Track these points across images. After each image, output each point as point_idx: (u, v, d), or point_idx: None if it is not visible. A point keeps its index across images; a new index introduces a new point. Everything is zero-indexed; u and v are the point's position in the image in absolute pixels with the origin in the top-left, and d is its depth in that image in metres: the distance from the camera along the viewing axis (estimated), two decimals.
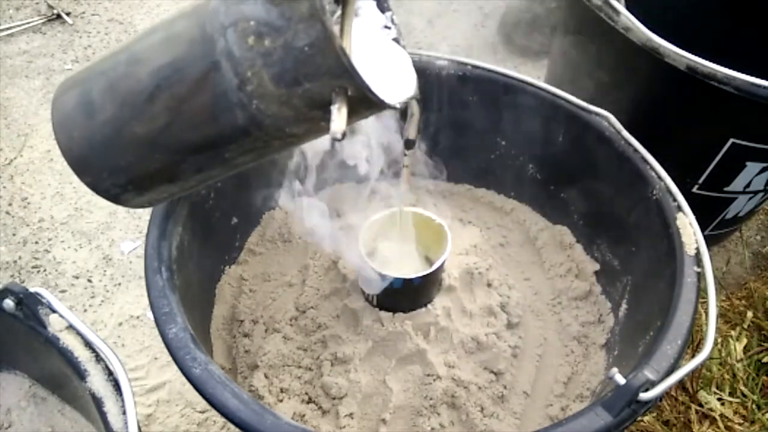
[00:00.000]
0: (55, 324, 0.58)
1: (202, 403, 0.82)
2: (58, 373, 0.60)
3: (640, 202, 0.72)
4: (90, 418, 0.63)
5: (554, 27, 1.19)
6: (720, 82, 0.75)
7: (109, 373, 0.56)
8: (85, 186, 0.54)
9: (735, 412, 0.88)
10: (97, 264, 1.05)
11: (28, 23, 1.46)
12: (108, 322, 0.98)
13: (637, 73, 0.87)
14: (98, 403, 0.54)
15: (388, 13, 0.54)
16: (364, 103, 0.43)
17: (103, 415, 0.53)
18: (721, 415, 0.87)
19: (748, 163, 0.86)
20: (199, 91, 0.45)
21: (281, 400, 0.68)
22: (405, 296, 0.67)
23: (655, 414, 0.88)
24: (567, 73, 1.03)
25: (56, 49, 1.42)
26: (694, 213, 0.67)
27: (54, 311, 0.59)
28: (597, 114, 0.77)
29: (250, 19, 0.42)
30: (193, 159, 0.50)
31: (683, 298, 0.60)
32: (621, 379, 0.52)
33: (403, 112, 0.56)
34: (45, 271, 1.04)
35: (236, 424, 0.51)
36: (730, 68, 0.75)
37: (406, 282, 0.64)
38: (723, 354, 0.93)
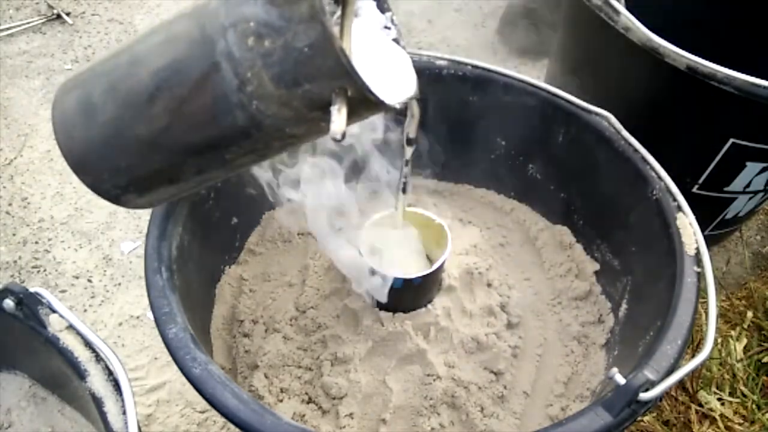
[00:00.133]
0: (55, 324, 0.58)
1: (202, 403, 0.82)
2: (58, 373, 0.60)
3: (640, 202, 0.72)
4: (90, 418, 0.63)
5: (554, 27, 1.19)
6: (720, 82, 0.75)
7: (109, 373, 0.56)
8: (85, 186, 0.54)
9: (735, 412, 0.88)
10: (97, 264, 1.05)
11: (28, 23, 1.46)
12: (108, 322, 0.98)
13: (637, 73, 0.87)
14: (98, 403, 0.54)
15: (388, 14, 0.54)
16: (364, 103, 0.43)
17: (103, 415, 0.53)
18: (721, 415, 0.87)
19: (748, 163, 0.86)
20: (199, 92, 0.45)
21: (281, 400, 0.68)
22: (405, 296, 0.67)
23: (655, 414, 0.88)
24: (567, 73, 1.03)
25: (56, 49, 1.42)
26: (694, 213, 0.67)
27: (54, 311, 0.59)
28: (597, 114, 0.77)
29: (250, 20, 0.42)
30: (193, 160, 0.50)
31: (683, 298, 0.60)
32: (621, 379, 0.52)
33: (404, 112, 0.56)
34: (45, 271, 1.04)
35: (236, 424, 0.51)
36: (730, 68, 0.75)
37: (406, 282, 0.64)
38: (723, 354, 0.93)
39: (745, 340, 0.95)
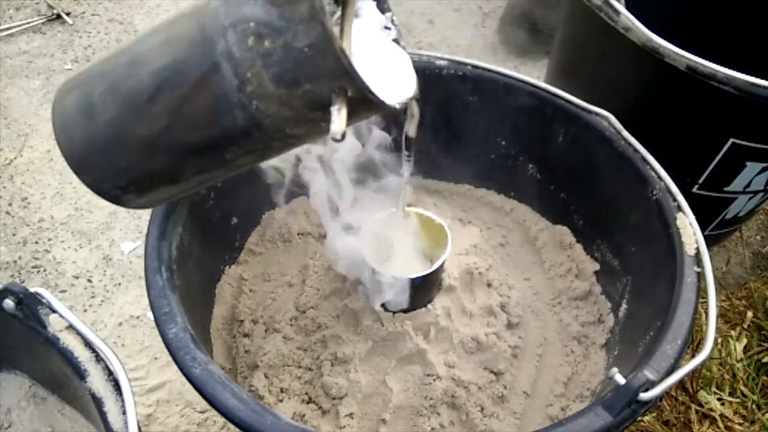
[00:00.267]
0: (55, 324, 0.58)
1: (202, 403, 0.82)
2: (58, 373, 0.60)
3: (640, 202, 0.72)
4: (90, 418, 0.63)
5: (554, 27, 1.19)
6: (720, 82, 0.75)
7: (109, 373, 0.56)
8: (85, 186, 0.54)
9: (735, 412, 0.88)
10: (97, 264, 1.05)
11: (28, 23, 1.46)
12: (108, 322, 0.98)
13: (637, 73, 0.87)
14: (98, 403, 0.54)
15: (389, 14, 0.54)
16: (364, 104, 0.43)
17: (103, 415, 0.53)
18: (721, 415, 0.87)
19: (748, 163, 0.86)
20: (200, 92, 0.45)
21: (281, 400, 0.68)
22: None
23: (655, 414, 0.88)
24: (567, 73, 1.03)
25: (56, 49, 1.42)
26: (694, 213, 0.67)
27: (54, 311, 0.59)
28: (597, 114, 0.77)
29: (250, 20, 0.42)
30: (193, 160, 0.50)
31: (683, 298, 0.60)
32: (621, 379, 0.52)
33: (404, 113, 0.56)
34: (45, 271, 1.04)
35: (236, 424, 0.51)
36: (730, 68, 0.75)
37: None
38: (723, 354, 0.93)
39: (745, 340, 0.95)
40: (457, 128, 0.86)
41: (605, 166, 0.77)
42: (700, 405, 0.88)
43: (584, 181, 0.81)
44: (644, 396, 0.51)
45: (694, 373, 0.88)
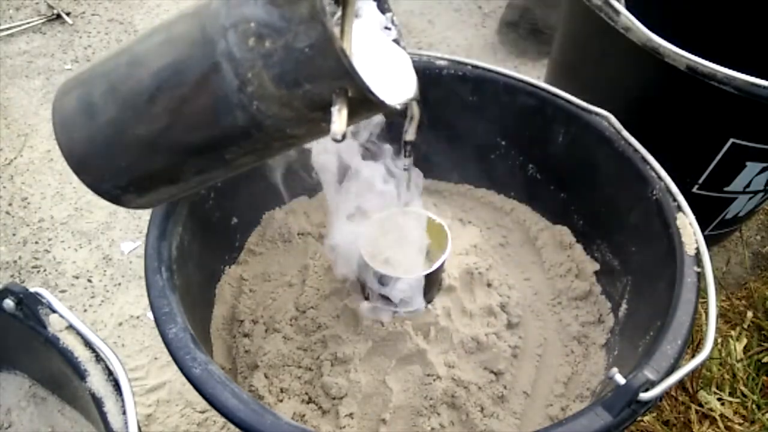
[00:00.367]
0: (55, 324, 0.58)
1: (202, 403, 0.82)
2: (58, 373, 0.60)
3: (640, 202, 0.72)
4: (90, 418, 0.63)
5: (554, 27, 1.19)
6: (720, 82, 0.75)
7: (109, 373, 0.56)
8: (85, 186, 0.54)
9: (735, 412, 0.88)
10: (97, 264, 1.05)
11: (28, 23, 1.46)
12: (108, 322, 0.98)
13: (637, 73, 0.87)
14: (98, 403, 0.54)
15: (389, 14, 0.54)
16: (364, 104, 0.43)
17: (103, 415, 0.53)
18: (721, 415, 0.87)
19: (748, 163, 0.86)
20: (200, 92, 0.45)
21: (281, 400, 0.68)
22: None
23: (655, 414, 0.88)
24: (567, 73, 1.03)
25: (56, 49, 1.42)
26: (694, 213, 0.67)
27: (54, 311, 0.59)
28: (597, 114, 0.77)
29: (251, 20, 0.42)
30: (193, 160, 0.50)
31: (683, 298, 0.60)
32: (621, 379, 0.52)
33: (404, 113, 0.56)
34: (45, 271, 1.04)
35: (236, 424, 0.51)
36: (730, 68, 0.75)
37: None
38: (723, 354, 0.93)
39: (745, 340, 0.95)
40: (458, 128, 0.86)
41: (605, 166, 0.77)
42: (700, 405, 0.88)
43: (584, 181, 0.81)
44: (644, 396, 0.51)
45: (694, 373, 0.88)
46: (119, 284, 1.03)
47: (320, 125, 0.45)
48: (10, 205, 1.12)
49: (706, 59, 0.76)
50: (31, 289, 0.59)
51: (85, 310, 0.99)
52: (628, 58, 0.85)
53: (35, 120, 1.26)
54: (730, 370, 0.91)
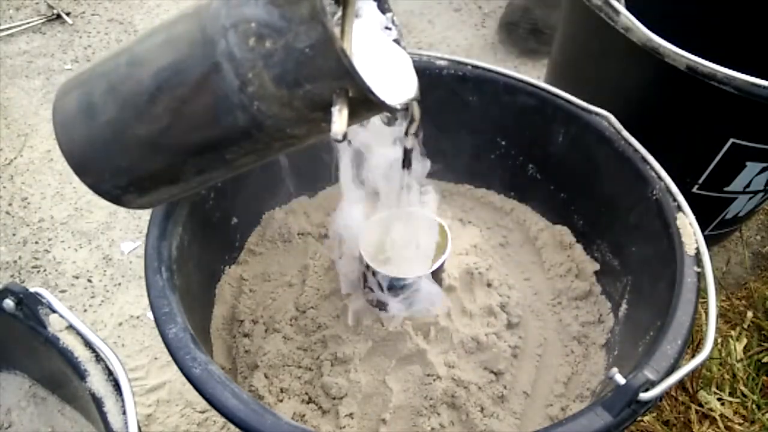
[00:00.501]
0: (55, 324, 0.58)
1: (202, 403, 0.82)
2: (58, 373, 0.60)
3: (640, 202, 0.72)
4: (90, 418, 0.63)
5: (554, 27, 1.19)
6: (720, 82, 0.75)
7: (109, 373, 0.56)
8: (85, 186, 0.54)
9: (735, 412, 0.88)
10: (97, 264, 1.05)
11: (28, 23, 1.46)
12: (108, 322, 0.98)
13: (637, 73, 0.87)
14: (98, 403, 0.54)
15: (389, 14, 0.54)
16: (365, 104, 0.43)
17: (103, 415, 0.53)
18: (721, 415, 0.87)
19: (748, 163, 0.86)
20: (200, 92, 0.45)
21: (281, 400, 0.68)
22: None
23: (655, 414, 0.88)
24: (567, 73, 1.03)
25: (56, 49, 1.42)
26: (694, 213, 0.67)
27: (54, 311, 0.59)
28: (597, 114, 0.77)
29: (251, 20, 0.42)
30: (194, 160, 0.50)
31: (683, 298, 0.60)
32: (621, 379, 0.52)
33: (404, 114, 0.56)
34: (45, 271, 1.04)
35: (236, 424, 0.51)
36: (730, 68, 0.75)
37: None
38: (723, 354, 0.93)
39: (745, 340, 0.95)
40: (457, 128, 0.86)
41: (605, 166, 0.77)
42: (700, 405, 0.88)
43: (584, 181, 0.81)
44: (644, 396, 0.51)
45: (694, 373, 0.88)
46: (119, 284, 1.03)
47: (321, 125, 0.45)
48: (10, 205, 1.12)
49: (706, 59, 0.76)
50: (31, 289, 0.59)
51: (85, 310, 0.99)
52: (628, 58, 0.85)
53: (35, 120, 1.26)
54: (730, 370, 0.91)
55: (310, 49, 0.41)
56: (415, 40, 1.49)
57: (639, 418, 0.78)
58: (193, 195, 0.67)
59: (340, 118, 0.41)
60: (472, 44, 1.51)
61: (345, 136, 0.41)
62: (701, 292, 0.61)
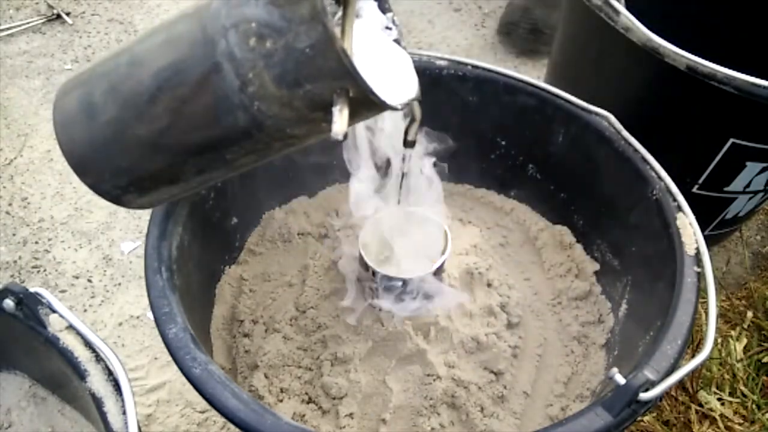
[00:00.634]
0: (55, 324, 0.58)
1: (202, 403, 0.82)
2: (58, 373, 0.60)
3: (640, 202, 0.72)
4: (90, 418, 0.63)
5: (554, 27, 1.19)
6: (720, 82, 0.75)
7: (109, 373, 0.56)
8: (85, 186, 0.54)
9: (735, 412, 0.88)
10: (97, 264, 1.05)
11: (28, 23, 1.46)
12: (108, 322, 0.98)
13: (637, 73, 0.87)
14: (98, 403, 0.54)
15: (389, 14, 0.54)
16: (365, 104, 0.43)
17: (103, 415, 0.53)
18: (721, 415, 0.87)
19: (748, 163, 0.86)
20: (201, 92, 0.45)
21: (281, 400, 0.68)
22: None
23: (655, 414, 0.88)
24: (567, 73, 1.03)
25: (56, 49, 1.42)
26: (694, 213, 0.67)
27: (54, 311, 0.59)
28: (597, 114, 0.77)
29: (252, 20, 0.42)
30: (194, 160, 0.50)
31: (683, 298, 0.60)
32: (621, 379, 0.52)
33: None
34: (45, 271, 1.04)
35: (236, 424, 0.51)
36: (730, 68, 0.75)
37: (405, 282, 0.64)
38: (723, 354, 0.93)
39: (745, 340, 0.95)
40: (457, 128, 0.86)
41: (605, 166, 0.77)
42: (700, 405, 0.88)
43: (584, 181, 0.81)
44: (644, 396, 0.51)
45: (694, 373, 0.88)
46: (119, 284, 1.03)
47: (321, 125, 0.45)
48: (10, 205, 1.12)
49: (706, 59, 0.76)
50: (31, 289, 0.59)
51: (85, 310, 0.99)
52: (628, 58, 0.85)
53: (35, 120, 1.26)
54: (730, 370, 0.91)
55: (310, 49, 0.41)
56: (415, 40, 1.49)
57: (639, 418, 0.78)
58: (193, 195, 0.67)
59: (340, 118, 0.41)
60: (472, 44, 1.51)
61: (346, 136, 0.41)
62: (701, 292, 0.61)
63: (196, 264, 0.69)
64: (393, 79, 0.51)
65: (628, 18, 0.80)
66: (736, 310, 1.02)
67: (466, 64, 0.82)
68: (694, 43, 0.80)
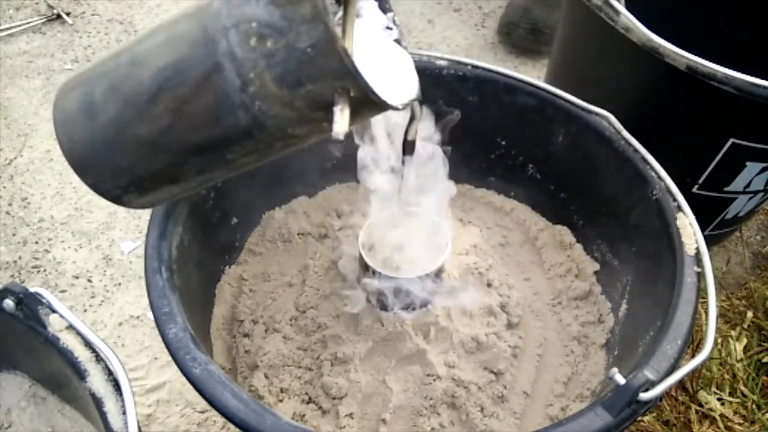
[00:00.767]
0: (55, 324, 0.58)
1: (202, 403, 0.82)
2: (58, 373, 0.60)
3: (640, 202, 0.72)
4: (90, 418, 0.63)
5: (554, 27, 1.19)
6: (720, 82, 0.75)
7: (109, 373, 0.56)
8: (85, 186, 0.54)
9: (735, 412, 0.88)
10: (97, 264, 1.05)
11: (28, 23, 1.46)
12: (108, 322, 0.98)
13: (637, 73, 0.87)
14: (98, 403, 0.54)
15: (390, 14, 0.54)
16: (366, 104, 0.43)
17: (103, 415, 0.53)
18: (721, 415, 0.87)
19: (748, 163, 0.86)
20: (201, 92, 0.45)
21: (281, 400, 0.68)
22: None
23: (655, 414, 0.88)
24: (567, 73, 1.03)
25: (56, 49, 1.42)
26: (694, 213, 0.67)
27: (54, 311, 0.59)
28: (597, 114, 0.77)
29: (252, 20, 0.42)
30: (194, 160, 0.50)
31: (683, 298, 0.60)
32: (621, 379, 0.52)
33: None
34: (45, 271, 1.04)
35: (236, 424, 0.51)
36: (730, 68, 0.75)
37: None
38: (723, 354, 0.93)
39: (745, 340, 0.95)
40: (457, 128, 0.86)
41: (605, 166, 0.77)
42: (700, 405, 0.88)
43: (584, 181, 0.81)
44: (644, 396, 0.51)
45: (694, 373, 0.88)
46: (119, 284, 1.03)
47: (322, 125, 0.45)
48: (10, 205, 1.12)
49: (706, 59, 0.76)
50: (31, 289, 0.59)
51: (85, 310, 0.99)
52: (628, 58, 0.85)
53: (35, 120, 1.26)
54: (730, 370, 0.91)
55: (311, 49, 0.41)
56: (415, 40, 1.49)
57: (639, 418, 0.78)
58: (194, 195, 0.67)
59: (341, 117, 0.41)
60: (472, 44, 1.51)
61: (347, 136, 0.41)
62: (701, 292, 0.61)
63: (196, 264, 0.69)
64: (394, 78, 0.51)
65: (628, 18, 0.80)
66: (736, 310, 1.02)
67: (466, 64, 0.82)
68: (694, 43, 0.80)
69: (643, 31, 0.79)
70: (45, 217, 1.11)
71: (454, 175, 0.90)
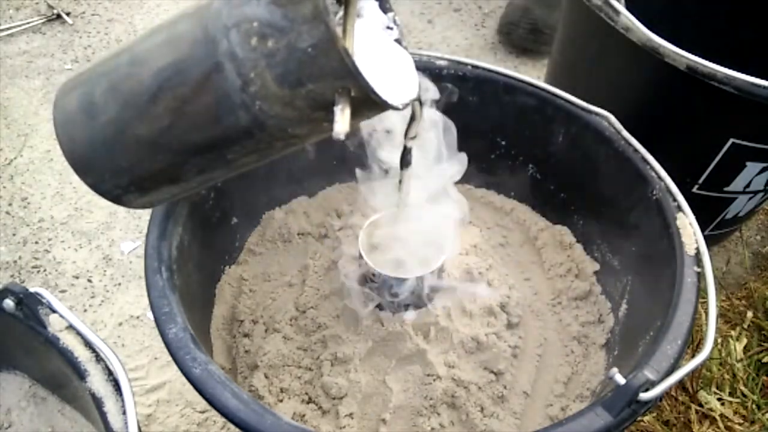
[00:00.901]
0: (55, 324, 0.58)
1: (202, 403, 0.82)
2: (58, 373, 0.60)
3: (640, 202, 0.72)
4: (90, 418, 0.63)
5: (554, 27, 1.19)
6: (720, 82, 0.75)
7: (109, 373, 0.56)
8: (85, 186, 0.54)
9: (735, 412, 0.88)
10: (97, 264, 1.05)
11: (28, 23, 1.46)
12: (108, 322, 0.98)
13: (637, 73, 0.87)
14: (98, 403, 0.54)
15: (391, 14, 0.54)
16: (367, 104, 0.43)
17: (103, 415, 0.53)
18: (721, 415, 0.87)
19: (748, 163, 0.86)
20: (202, 92, 0.45)
21: (281, 400, 0.68)
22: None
23: (655, 414, 0.88)
24: (567, 73, 1.03)
25: (56, 49, 1.42)
26: (694, 213, 0.67)
27: (54, 311, 0.59)
28: (597, 114, 0.77)
29: (253, 20, 0.42)
30: (195, 160, 0.50)
31: (683, 298, 0.60)
32: (621, 379, 0.52)
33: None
34: (45, 271, 1.04)
35: (236, 424, 0.51)
36: (730, 68, 0.75)
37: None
38: (723, 354, 0.93)
39: (745, 340, 0.95)
40: (457, 128, 0.86)
41: (605, 166, 0.77)
42: (700, 405, 0.88)
43: (584, 181, 0.81)
44: (644, 396, 0.51)
45: (694, 373, 0.88)
46: (119, 284, 1.03)
47: (323, 125, 0.45)
48: (10, 205, 1.12)
49: (706, 59, 0.76)
50: (31, 289, 0.59)
51: (85, 310, 0.99)
52: (628, 58, 0.85)
53: (35, 120, 1.26)
54: (730, 370, 0.91)
55: (312, 49, 0.41)
56: (415, 40, 1.49)
57: (639, 418, 0.78)
58: (194, 195, 0.67)
59: (342, 117, 0.41)
60: (472, 44, 1.51)
61: (347, 136, 0.41)
62: (701, 292, 0.61)
63: (196, 264, 0.69)
64: (394, 78, 0.51)
65: (628, 18, 0.80)
66: (736, 310, 1.02)
67: (466, 64, 0.82)
68: (694, 43, 0.80)
69: (643, 31, 0.79)
70: (45, 217, 1.11)
71: None
